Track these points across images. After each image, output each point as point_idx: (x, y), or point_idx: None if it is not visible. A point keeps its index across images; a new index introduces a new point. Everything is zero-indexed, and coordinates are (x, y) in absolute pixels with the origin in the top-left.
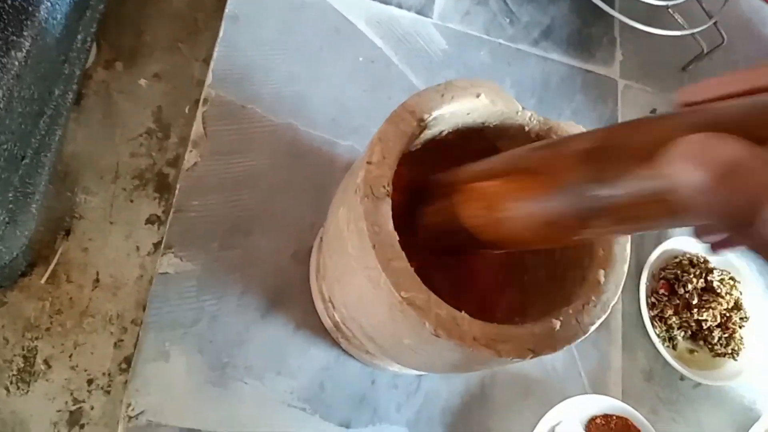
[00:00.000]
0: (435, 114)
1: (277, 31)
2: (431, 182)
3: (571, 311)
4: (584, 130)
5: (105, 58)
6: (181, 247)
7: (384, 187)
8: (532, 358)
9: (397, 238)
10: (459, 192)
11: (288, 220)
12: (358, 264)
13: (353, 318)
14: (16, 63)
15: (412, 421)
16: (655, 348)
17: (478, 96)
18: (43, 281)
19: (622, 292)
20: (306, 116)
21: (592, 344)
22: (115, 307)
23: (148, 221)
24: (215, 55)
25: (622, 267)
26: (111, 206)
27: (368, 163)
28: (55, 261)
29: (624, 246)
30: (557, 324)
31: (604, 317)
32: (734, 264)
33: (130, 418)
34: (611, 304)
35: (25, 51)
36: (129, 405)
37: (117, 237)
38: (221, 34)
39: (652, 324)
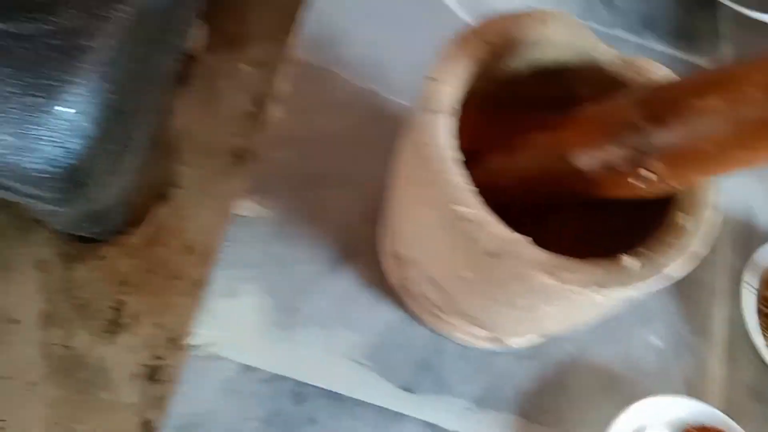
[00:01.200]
0: (507, 38)
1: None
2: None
3: (644, 250)
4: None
5: (211, 43)
6: (258, 193)
7: (444, 101)
8: (596, 291)
9: (455, 155)
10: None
11: (361, 181)
12: (415, 183)
13: (414, 259)
14: (124, 16)
15: (480, 397)
16: (764, 362)
17: (548, 25)
18: (138, 241)
19: (730, 296)
20: (388, 83)
21: (687, 347)
22: (203, 273)
23: None
24: (303, 19)
25: (707, 212)
26: (207, 179)
27: (430, 78)
28: (151, 224)
29: (707, 190)
30: (627, 260)
31: (681, 261)
32: None
33: (191, 347)
34: (690, 249)
35: (131, 6)
36: (191, 335)
37: (211, 207)
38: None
39: (765, 335)
